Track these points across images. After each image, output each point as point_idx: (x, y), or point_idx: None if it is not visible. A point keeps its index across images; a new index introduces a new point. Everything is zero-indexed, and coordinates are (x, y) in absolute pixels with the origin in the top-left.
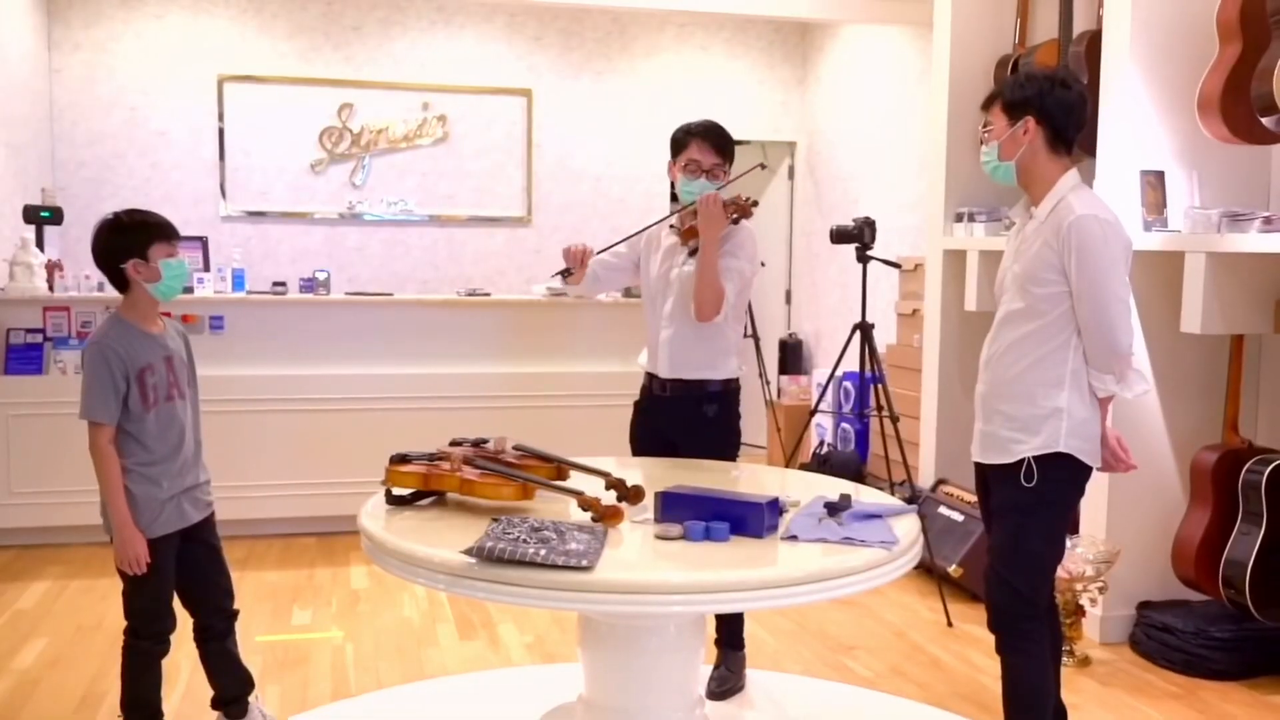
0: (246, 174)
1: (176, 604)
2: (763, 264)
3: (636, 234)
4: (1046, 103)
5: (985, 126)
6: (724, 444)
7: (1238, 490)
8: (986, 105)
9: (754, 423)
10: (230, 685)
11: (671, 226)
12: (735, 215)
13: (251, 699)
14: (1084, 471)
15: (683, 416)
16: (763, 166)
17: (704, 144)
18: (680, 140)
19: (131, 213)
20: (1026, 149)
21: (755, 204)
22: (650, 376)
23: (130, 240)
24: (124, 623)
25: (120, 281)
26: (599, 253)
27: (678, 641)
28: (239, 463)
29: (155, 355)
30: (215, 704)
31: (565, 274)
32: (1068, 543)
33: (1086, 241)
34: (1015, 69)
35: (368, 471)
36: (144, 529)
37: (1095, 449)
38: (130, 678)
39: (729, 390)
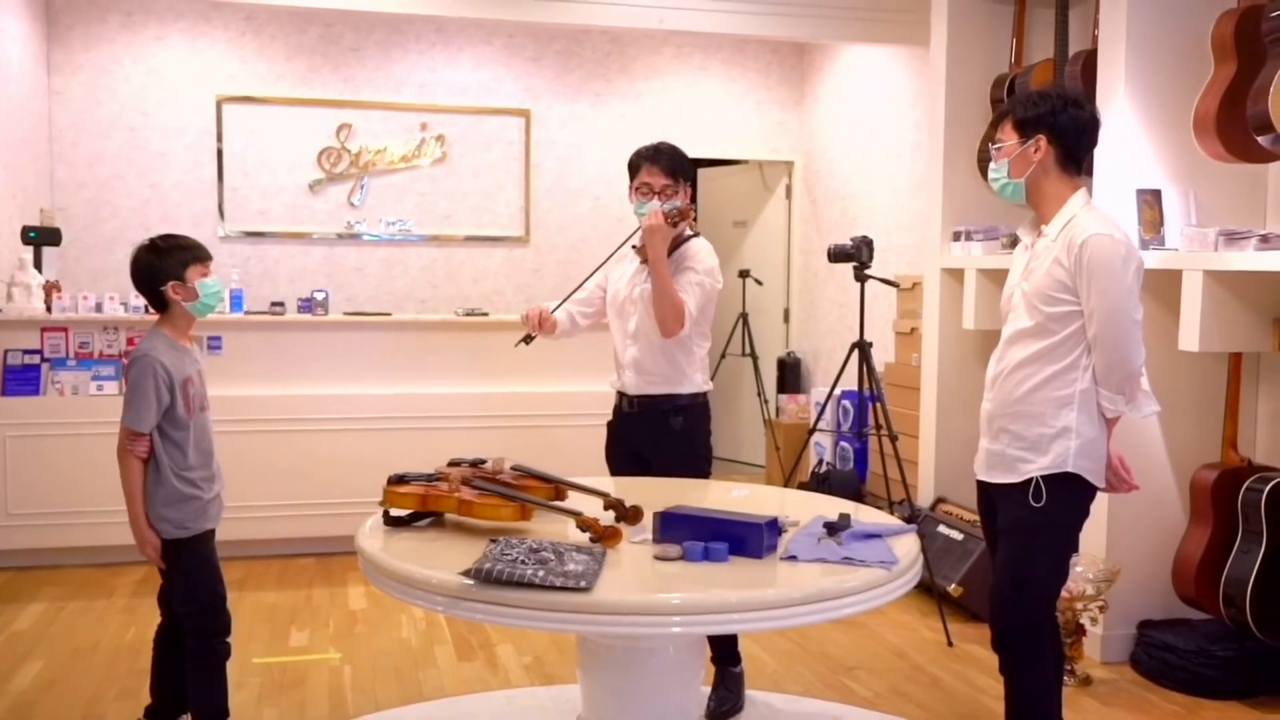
0: (245, 194)
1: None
2: (761, 279)
3: (598, 269)
4: (1059, 121)
5: (995, 143)
6: (693, 456)
7: (1237, 508)
8: (997, 122)
9: (752, 441)
10: (188, 696)
11: (634, 248)
12: (675, 219)
13: None
14: (1090, 492)
15: (651, 431)
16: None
17: (653, 167)
18: (634, 165)
19: (166, 238)
20: (1037, 167)
21: (688, 213)
22: (620, 394)
23: (168, 263)
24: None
25: (159, 302)
26: (559, 304)
27: (677, 663)
28: (236, 483)
29: (192, 368)
30: (156, 714)
31: (527, 339)
32: None
33: (1100, 260)
34: (1012, 89)
35: (366, 492)
36: (190, 525)
37: (1101, 469)
38: (202, 685)
39: (696, 404)
